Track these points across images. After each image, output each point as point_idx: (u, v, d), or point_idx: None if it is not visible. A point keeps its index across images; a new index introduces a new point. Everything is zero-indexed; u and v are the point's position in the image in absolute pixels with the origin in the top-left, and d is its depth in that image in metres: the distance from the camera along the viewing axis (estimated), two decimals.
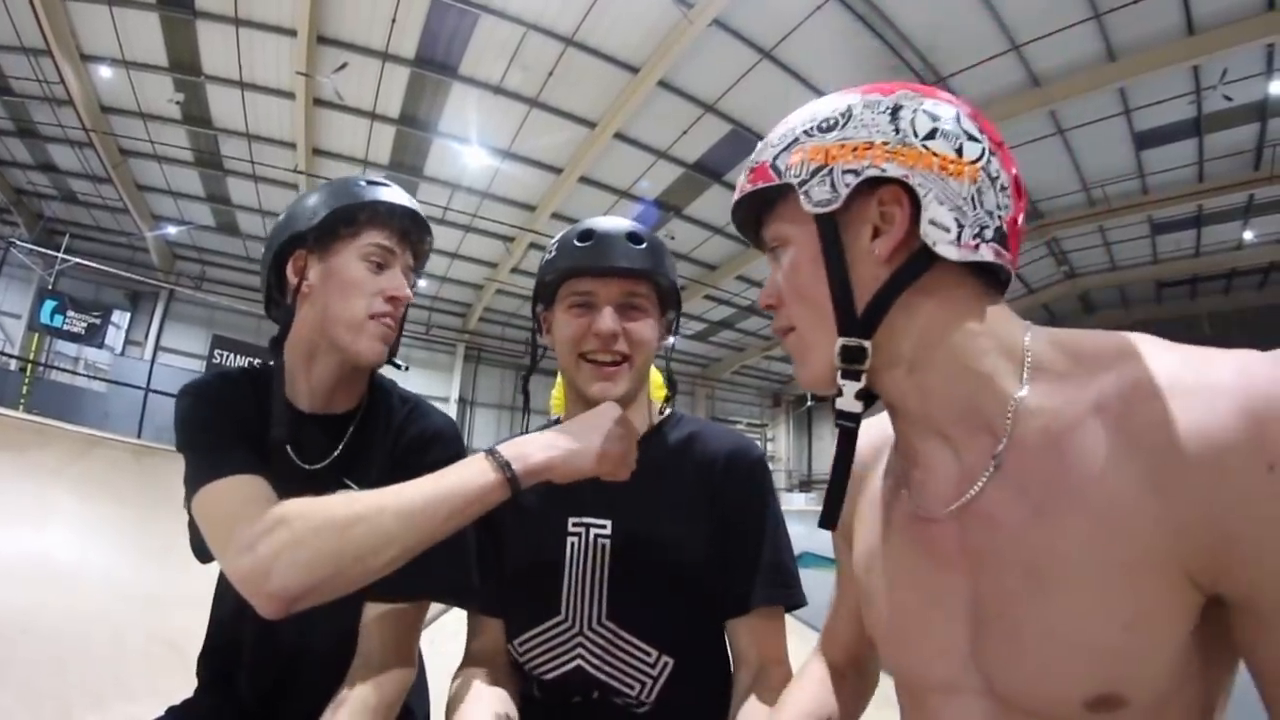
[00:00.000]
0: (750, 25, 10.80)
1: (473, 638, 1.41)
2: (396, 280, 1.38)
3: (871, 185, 0.82)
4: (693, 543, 1.34)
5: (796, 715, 1.11)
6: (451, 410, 22.78)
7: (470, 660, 1.37)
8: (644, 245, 1.38)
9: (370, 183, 1.43)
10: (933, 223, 0.80)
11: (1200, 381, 0.69)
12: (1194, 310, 20.13)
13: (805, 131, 0.88)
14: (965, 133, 0.83)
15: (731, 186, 15.27)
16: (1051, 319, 19.91)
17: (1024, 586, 0.76)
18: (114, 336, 18.68)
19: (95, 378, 17.25)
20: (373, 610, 1.26)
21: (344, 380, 1.40)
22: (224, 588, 1.42)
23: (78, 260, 15.93)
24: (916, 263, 0.82)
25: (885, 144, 0.82)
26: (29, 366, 16.30)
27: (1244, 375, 0.67)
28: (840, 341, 0.84)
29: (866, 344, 0.83)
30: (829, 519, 0.92)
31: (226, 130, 14.23)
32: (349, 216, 1.37)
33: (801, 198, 0.85)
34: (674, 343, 1.55)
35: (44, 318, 16.35)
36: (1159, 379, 0.71)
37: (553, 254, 1.40)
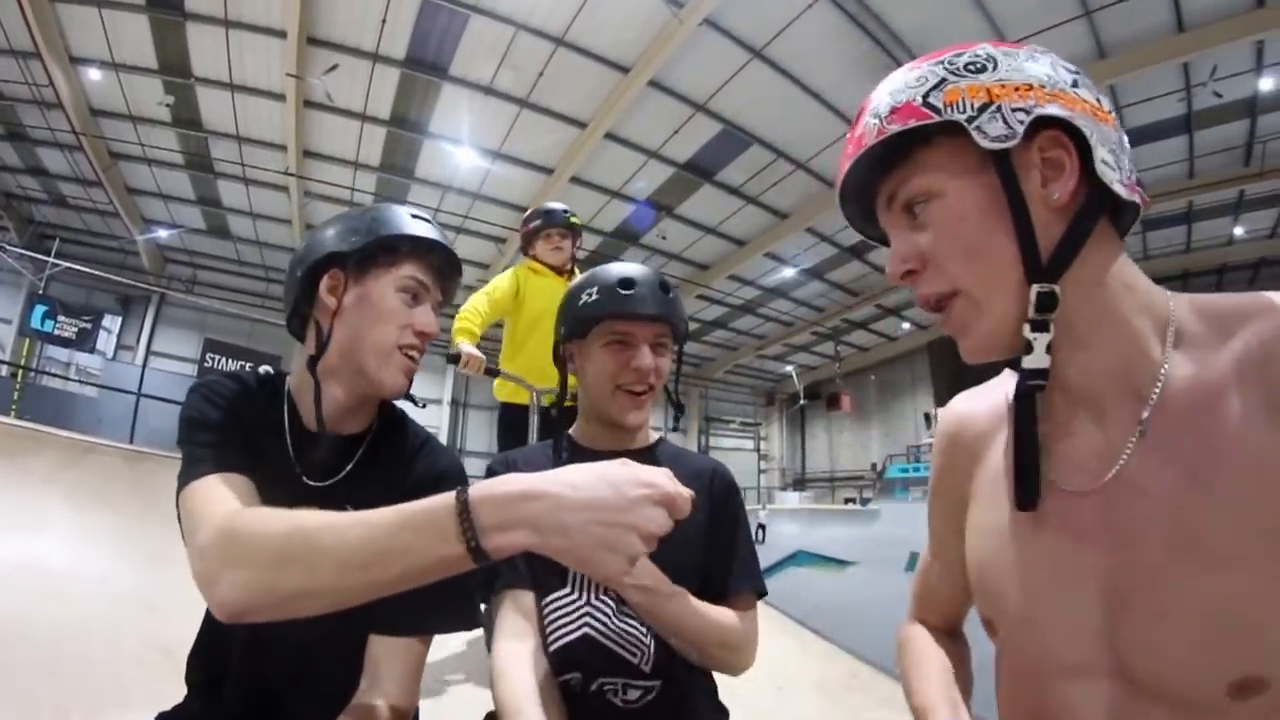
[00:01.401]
0: (741, 25, 10.83)
1: (499, 610, 1.41)
2: (428, 315, 1.41)
3: (1029, 131, 0.78)
4: (684, 535, 1.36)
5: (941, 669, 1.07)
6: (444, 413, 22.81)
7: (507, 634, 1.37)
8: (671, 294, 1.55)
9: (414, 216, 1.42)
10: (1104, 163, 0.78)
11: None
12: None
13: (952, 72, 0.82)
14: (1095, 86, 0.82)
15: (724, 186, 15.48)
16: None
17: (1172, 560, 0.73)
18: (105, 341, 18.61)
19: (87, 383, 17.12)
20: (379, 643, 1.26)
21: (356, 404, 1.39)
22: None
23: (68, 264, 15.78)
24: (1091, 206, 0.79)
25: (1043, 86, 0.79)
26: (20, 372, 16.22)
27: None
28: (1035, 289, 0.79)
29: (1057, 289, 0.79)
30: (1029, 497, 0.85)
31: (217, 133, 14.23)
32: (392, 245, 1.36)
33: (974, 134, 0.78)
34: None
35: (35, 323, 16.28)
36: None
37: (593, 297, 1.52)
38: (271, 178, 14.87)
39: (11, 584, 4.65)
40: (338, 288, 1.35)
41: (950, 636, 1.18)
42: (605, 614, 1.43)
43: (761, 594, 1.56)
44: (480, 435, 23.53)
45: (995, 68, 0.80)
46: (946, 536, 1.09)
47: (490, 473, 1.44)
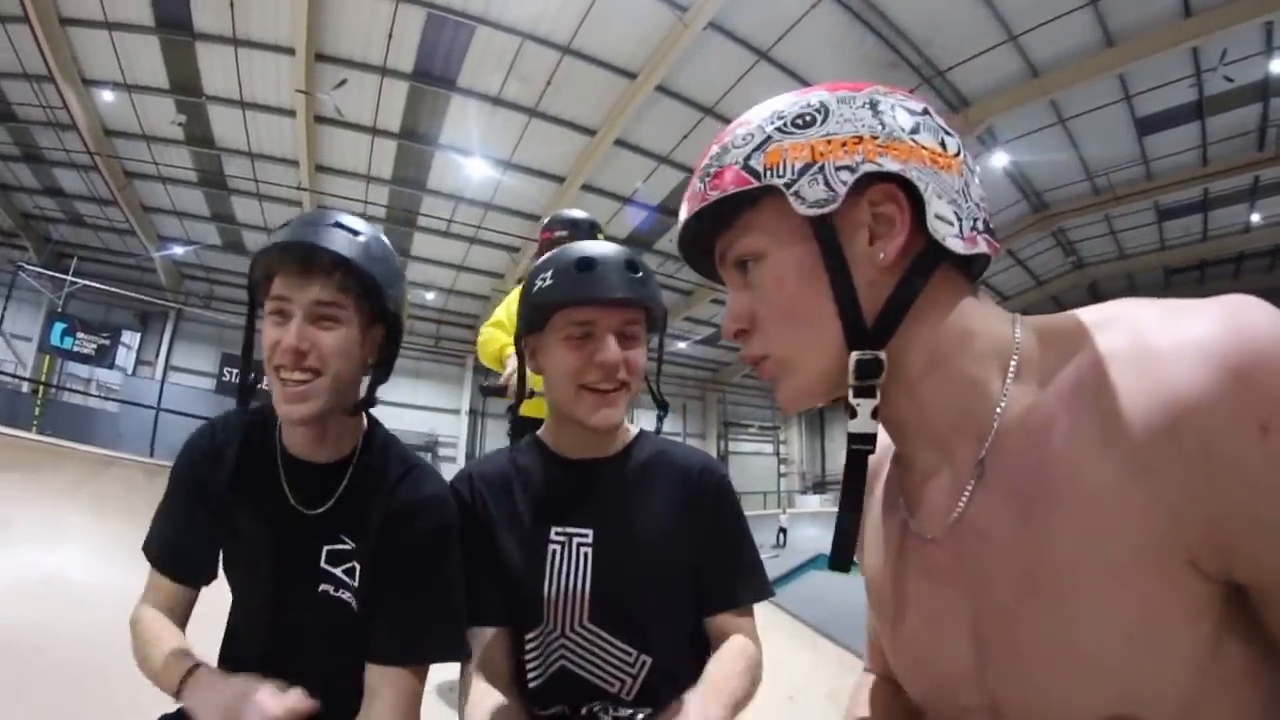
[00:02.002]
0: (746, 27, 10.83)
1: (478, 649, 1.37)
2: (289, 332, 1.25)
3: (860, 185, 0.74)
4: (670, 548, 1.41)
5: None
6: (463, 422, 22.86)
7: (481, 672, 1.35)
8: (640, 274, 1.38)
9: (286, 224, 1.33)
10: (938, 217, 0.75)
11: (1177, 340, 0.62)
12: (1203, 295, 19.65)
13: (778, 129, 0.78)
14: (940, 127, 0.79)
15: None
16: (1060, 310, 19.79)
17: (1017, 600, 0.70)
18: (124, 357, 18.76)
19: (107, 398, 17.31)
20: (375, 672, 1.30)
21: (316, 433, 1.38)
22: (237, 616, 1.46)
23: (86, 282, 16.04)
24: (923, 263, 0.76)
25: (875, 138, 0.75)
26: (41, 389, 16.39)
27: (1226, 325, 0.61)
28: (854, 357, 0.76)
29: (883, 355, 0.76)
30: (842, 558, 0.83)
31: (229, 150, 14.33)
32: (262, 271, 1.31)
33: (792, 200, 0.75)
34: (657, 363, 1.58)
35: (54, 340, 16.46)
36: (1131, 346, 0.65)
37: (547, 281, 1.36)
38: (285, 193, 14.94)
39: (33, 596, 4.70)
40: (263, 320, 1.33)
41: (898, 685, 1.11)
42: (583, 645, 1.37)
43: (765, 598, 1.48)
44: (498, 444, 23.13)
45: (825, 120, 0.77)
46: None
47: (456, 493, 1.46)
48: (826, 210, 0.75)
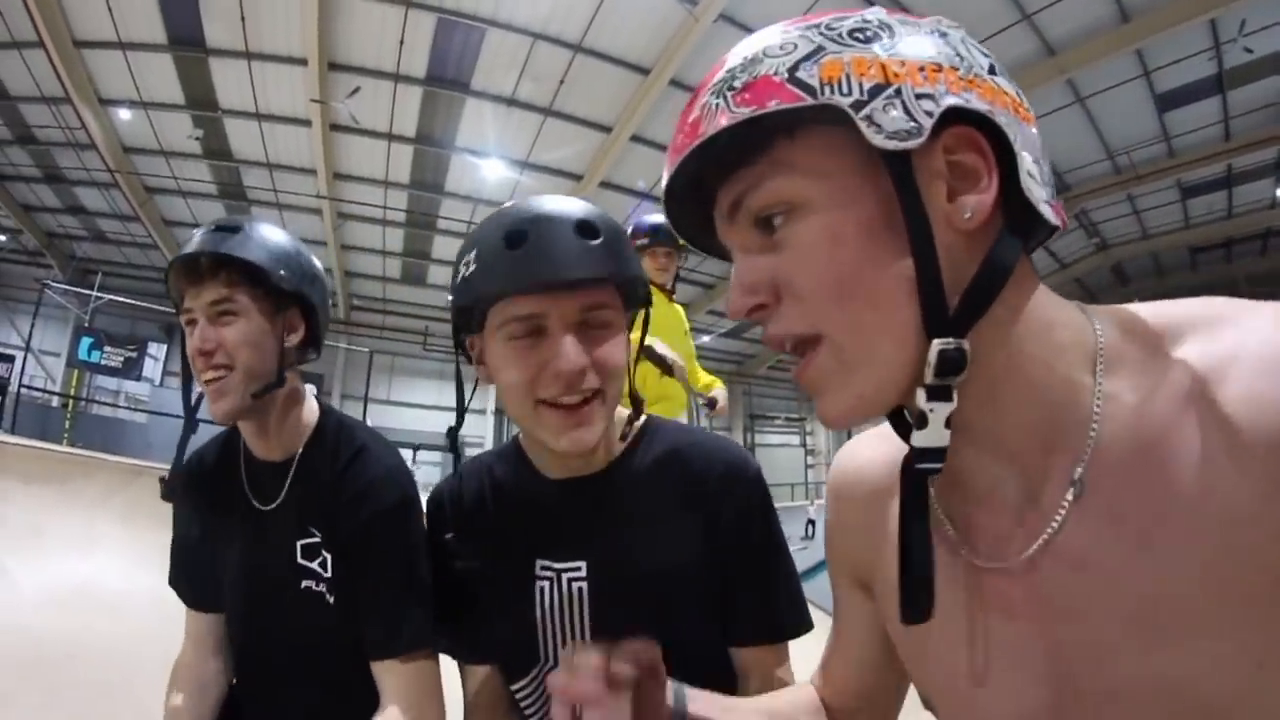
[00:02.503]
0: (757, 17, 10.61)
1: (468, 684, 1.28)
2: (197, 337, 1.31)
3: (936, 125, 0.57)
4: (683, 577, 1.16)
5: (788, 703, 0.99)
6: (489, 422, 22.90)
7: (473, 712, 1.27)
8: (600, 238, 1.03)
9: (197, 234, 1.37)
10: (1030, 175, 0.60)
11: None
12: (1230, 274, 19.67)
13: (830, 38, 0.59)
14: (1009, 77, 0.63)
15: None
16: (1085, 293, 19.60)
17: (1124, 638, 0.59)
18: (151, 368, 18.97)
19: (135, 409, 17.51)
20: (377, 669, 1.30)
21: (256, 431, 1.42)
22: (234, 633, 1.51)
23: (111, 297, 16.20)
24: (1015, 230, 0.61)
25: (955, 69, 0.59)
26: (70, 402, 16.60)
27: None
28: (936, 346, 0.58)
29: (966, 345, 0.58)
30: (917, 609, 0.64)
31: (247, 161, 14.47)
32: (175, 295, 1.36)
33: (863, 126, 0.56)
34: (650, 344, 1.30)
35: (82, 354, 16.67)
36: (1257, 349, 0.55)
37: (470, 267, 1.03)
38: (304, 201, 15.09)
39: (66, 604, 4.78)
40: None
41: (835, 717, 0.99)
42: None
43: (803, 632, 1.22)
44: None
45: (891, 37, 0.60)
46: (843, 609, 0.95)
47: (429, 515, 1.34)
48: (909, 144, 0.56)
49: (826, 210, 0.61)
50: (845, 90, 0.57)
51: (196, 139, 13.68)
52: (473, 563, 1.24)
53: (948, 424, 0.60)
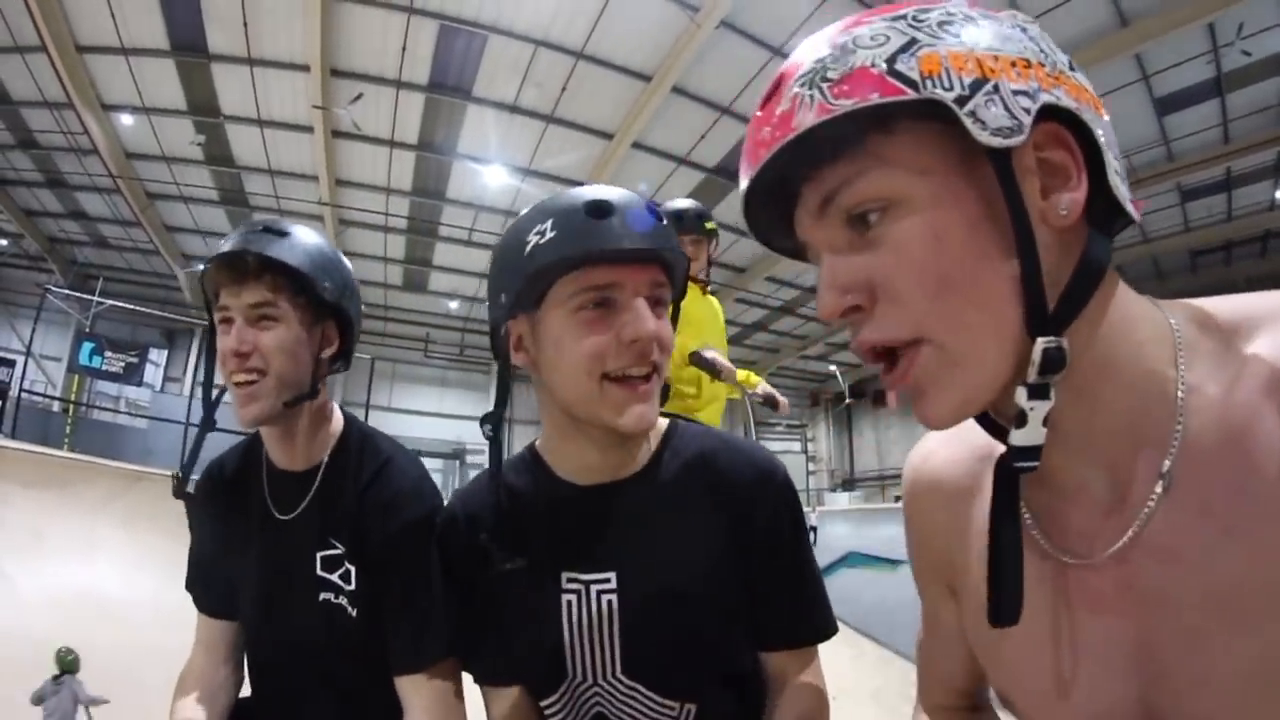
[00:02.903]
0: (758, 24, 10.75)
1: (494, 709, 1.23)
2: (230, 337, 1.30)
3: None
4: (716, 586, 1.15)
5: None
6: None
7: None
8: (664, 221, 1.07)
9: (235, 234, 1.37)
10: (1116, 173, 0.60)
11: None
12: (1230, 276, 19.63)
13: (921, 29, 0.59)
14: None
15: None
16: None
17: (1215, 625, 0.59)
18: (152, 374, 19.01)
19: (136, 415, 17.51)
20: (401, 684, 1.30)
21: (282, 438, 1.41)
22: (251, 645, 1.51)
23: (112, 302, 16.21)
24: (1105, 227, 0.62)
25: (1043, 65, 0.59)
26: (71, 407, 16.61)
27: None
28: (1040, 344, 0.58)
29: (1065, 344, 0.58)
30: (1009, 609, 0.64)
31: (249, 168, 14.49)
32: (210, 291, 1.36)
33: (968, 122, 0.56)
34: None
35: (83, 359, 16.63)
36: None
37: (546, 235, 1.02)
38: (306, 208, 15.05)
39: (68, 608, 4.83)
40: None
41: (974, 712, 1.00)
42: (619, 695, 1.15)
43: (830, 636, 1.22)
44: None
45: (979, 31, 0.59)
46: (938, 611, 0.94)
47: (443, 531, 1.30)
48: (1012, 141, 0.56)
49: (928, 208, 0.60)
50: (947, 85, 0.56)
51: (198, 145, 13.69)
52: (496, 580, 1.19)
53: (1044, 422, 0.60)
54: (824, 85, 0.59)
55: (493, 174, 14.14)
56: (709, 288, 3.36)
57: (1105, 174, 0.60)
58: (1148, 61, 11.62)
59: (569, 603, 1.15)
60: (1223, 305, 0.65)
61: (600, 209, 1.01)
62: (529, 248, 1.03)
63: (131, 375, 17.62)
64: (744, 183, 0.67)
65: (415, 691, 1.28)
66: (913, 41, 0.58)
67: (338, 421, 1.47)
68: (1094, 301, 0.60)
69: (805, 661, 1.20)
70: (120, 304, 15.97)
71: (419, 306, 20.63)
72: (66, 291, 16.69)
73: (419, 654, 1.28)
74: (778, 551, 1.18)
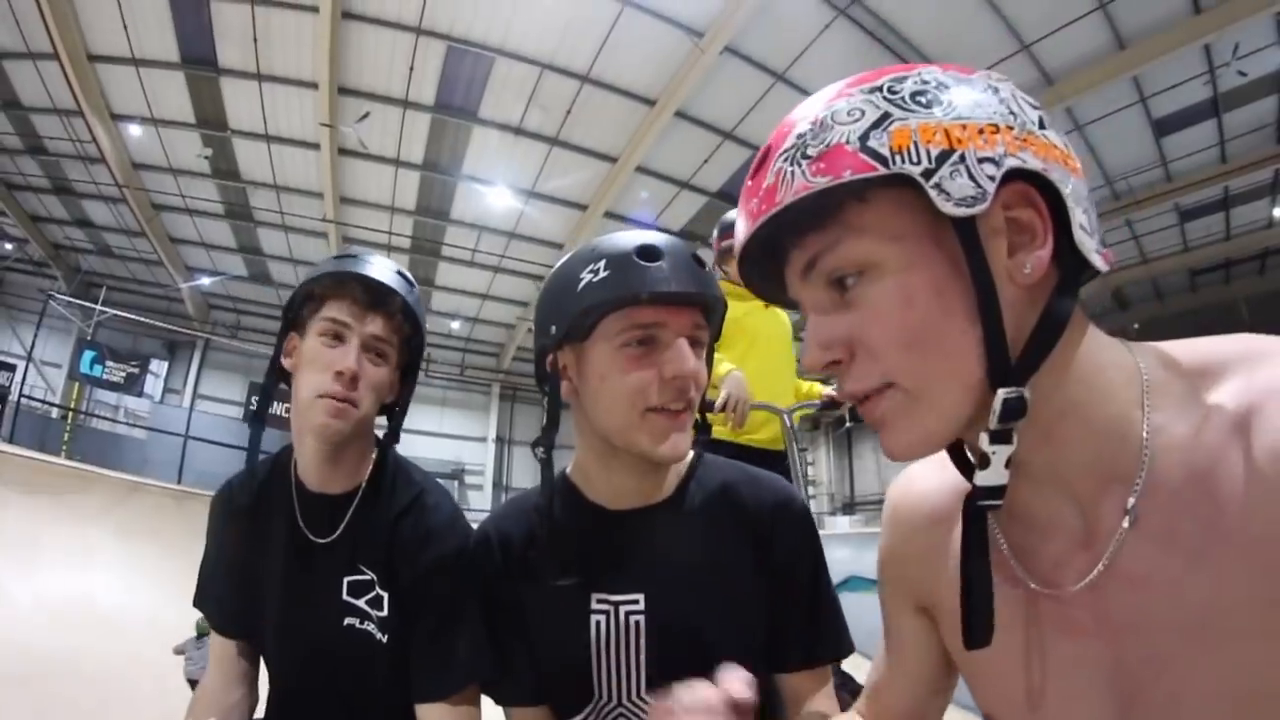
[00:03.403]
0: (761, 50, 10.80)
1: None
2: (347, 356, 1.31)
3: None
4: (739, 608, 1.21)
5: None
6: (489, 450, 22.89)
7: None
8: (706, 268, 1.15)
9: (341, 256, 1.40)
10: (1082, 227, 0.65)
11: None
12: (1230, 295, 19.57)
13: (895, 104, 0.65)
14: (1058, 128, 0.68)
15: None
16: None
17: (1184, 648, 0.64)
18: (152, 385, 19.01)
19: (134, 425, 17.53)
20: (422, 711, 1.32)
21: (331, 459, 1.40)
22: (270, 666, 1.51)
23: (115, 312, 16.27)
24: (1069, 281, 0.67)
25: (1010, 129, 0.64)
26: (70, 415, 16.60)
27: None
28: (1001, 395, 0.63)
29: (1027, 393, 0.64)
30: (980, 634, 0.70)
31: (255, 182, 14.55)
32: (313, 292, 1.36)
33: (933, 194, 0.62)
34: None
35: (84, 367, 16.67)
36: None
37: (600, 274, 1.09)
38: (310, 225, 15.15)
39: (62, 617, 4.80)
40: (295, 348, 1.39)
41: None
42: (644, 714, 1.18)
43: (845, 656, 1.27)
44: (525, 472, 23.30)
45: (949, 100, 0.64)
46: (901, 633, 0.98)
47: (474, 556, 1.32)
48: (975, 210, 0.62)
49: (898, 272, 0.66)
50: (914, 159, 0.62)
51: (205, 158, 13.78)
52: (525, 600, 1.25)
53: (1007, 464, 0.66)
54: (804, 162, 0.66)
55: (497, 195, 14.17)
56: None
57: (1072, 230, 0.65)
58: (1145, 83, 11.64)
59: (598, 623, 1.20)
60: (1190, 349, 0.70)
61: (650, 253, 1.09)
62: (581, 285, 1.10)
63: (132, 385, 17.65)
64: (736, 249, 0.76)
65: (432, 718, 1.30)
66: (885, 116, 0.64)
67: (372, 447, 1.48)
68: (1059, 350, 0.66)
69: (820, 682, 1.24)
70: (123, 314, 16.01)
71: None
72: (69, 299, 16.73)
73: (443, 683, 1.30)
74: (797, 576, 1.23)
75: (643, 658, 1.19)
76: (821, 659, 1.24)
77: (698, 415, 1.21)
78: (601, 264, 1.09)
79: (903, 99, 0.65)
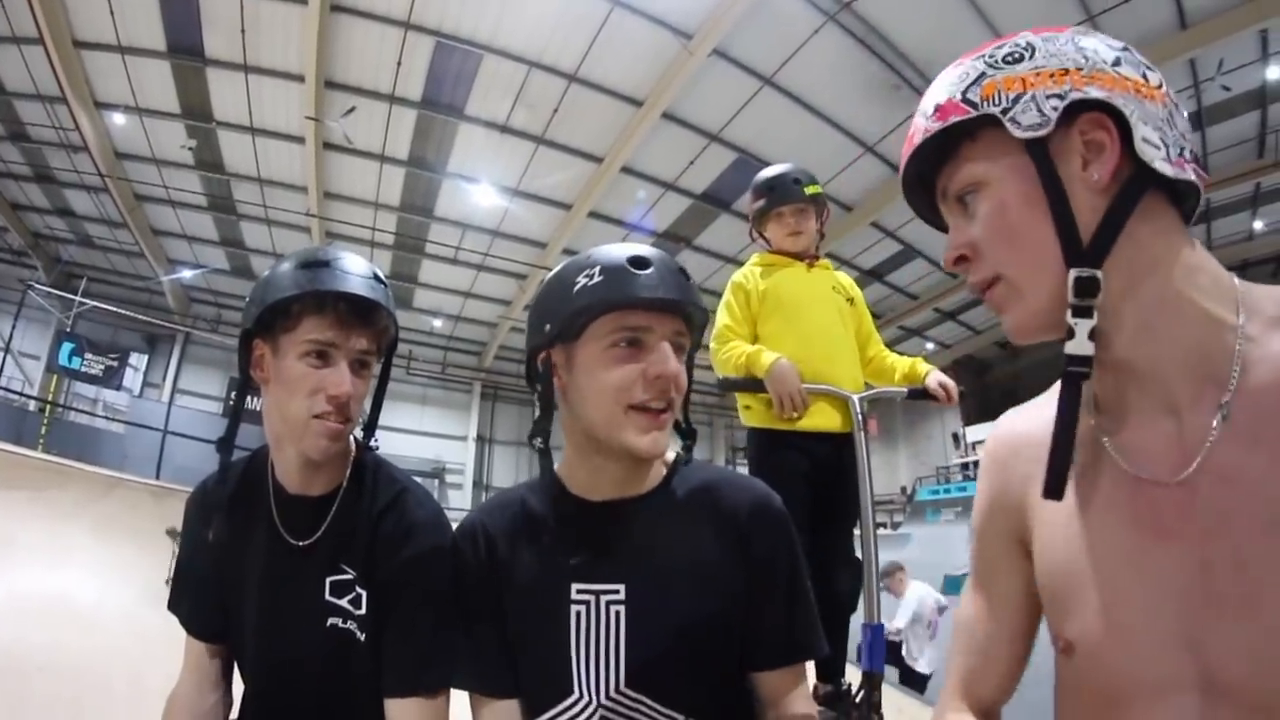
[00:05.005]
0: (750, 53, 10.87)
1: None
2: (339, 377, 1.29)
3: (1069, 115, 0.79)
4: (717, 603, 1.23)
5: None
6: (470, 449, 22.86)
7: None
8: (690, 280, 1.25)
9: (310, 264, 1.32)
10: (1145, 141, 0.78)
11: None
12: None
13: (990, 65, 0.84)
14: (1141, 62, 0.82)
15: (741, 216, 15.34)
16: None
17: (1265, 544, 0.72)
18: (131, 379, 18.79)
19: (113, 419, 17.34)
20: (392, 707, 1.30)
21: (312, 465, 1.37)
22: (245, 668, 1.48)
23: (95, 303, 16.11)
24: (1134, 186, 0.80)
25: (1079, 70, 0.80)
26: (47, 407, 16.43)
27: None
28: (1073, 274, 0.79)
29: (1099, 273, 0.79)
30: (1056, 483, 0.84)
31: (239, 175, 14.49)
32: (285, 309, 1.29)
33: (1008, 125, 0.81)
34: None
35: (62, 360, 16.43)
36: None
37: (594, 279, 1.18)
38: (293, 219, 15.11)
39: (36, 614, 4.72)
40: (263, 358, 1.34)
41: None
42: (621, 711, 1.20)
43: (819, 656, 1.32)
44: (506, 471, 23.37)
45: (1032, 56, 0.82)
46: (997, 568, 1.05)
47: (462, 547, 1.34)
48: (1040, 133, 0.80)
49: (994, 186, 0.85)
50: (996, 102, 0.82)
51: (189, 149, 13.71)
52: (506, 592, 1.28)
53: (1091, 336, 0.80)
54: (928, 114, 0.88)
55: (482, 193, 14.20)
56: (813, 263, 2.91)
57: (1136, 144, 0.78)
58: None
59: (578, 613, 1.23)
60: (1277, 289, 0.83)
61: (641, 263, 1.19)
62: (577, 287, 1.19)
63: (111, 378, 17.43)
64: (900, 181, 0.98)
65: (404, 715, 1.29)
66: (981, 74, 0.84)
67: (350, 447, 1.46)
68: (1140, 248, 0.80)
69: (795, 680, 1.28)
70: (103, 305, 15.87)
71: (402, 323, 20.13)
72: (49, 289, 16.60)
73: (415, 679, 1.30)
74: (774, 575, 1.27)
75: (622, 649, 1.22)
76: (795, 659, 1.29)
77: (682, 422, 1.30)
78: (596, 270, 1.19)
79: (997, 61, 0.84)
